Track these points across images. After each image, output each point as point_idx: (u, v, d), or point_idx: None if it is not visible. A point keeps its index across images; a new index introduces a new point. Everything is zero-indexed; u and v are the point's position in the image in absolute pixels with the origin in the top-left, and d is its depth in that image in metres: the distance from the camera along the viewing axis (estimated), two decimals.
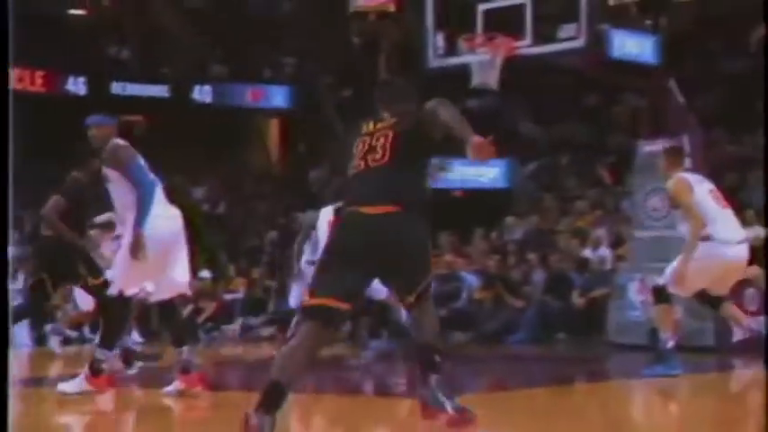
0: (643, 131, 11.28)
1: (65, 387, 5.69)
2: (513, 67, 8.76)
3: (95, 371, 5.63)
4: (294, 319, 8.07)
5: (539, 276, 11.08)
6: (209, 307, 13.00)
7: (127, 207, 5.54)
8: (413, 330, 4.30)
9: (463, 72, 8.68)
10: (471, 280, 11.43)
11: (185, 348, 5.80)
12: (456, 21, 9.10)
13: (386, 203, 3.97)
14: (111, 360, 5.90)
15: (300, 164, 19.31)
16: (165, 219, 5.57)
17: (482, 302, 11.27)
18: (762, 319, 8.63)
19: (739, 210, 9.89)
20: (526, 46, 8.37)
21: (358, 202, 4.02)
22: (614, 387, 7.10)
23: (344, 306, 3.87)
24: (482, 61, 8.39)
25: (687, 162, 8.88)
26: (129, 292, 5.59)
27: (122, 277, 5.54)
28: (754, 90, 15.22)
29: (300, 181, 18.67)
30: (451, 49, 8.74)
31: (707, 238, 6.30)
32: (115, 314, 5.65)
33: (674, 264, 6.57)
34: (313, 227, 8.29)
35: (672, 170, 6.61)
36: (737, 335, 8.70)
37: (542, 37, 8.44)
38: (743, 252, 6.46)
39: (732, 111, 14.75)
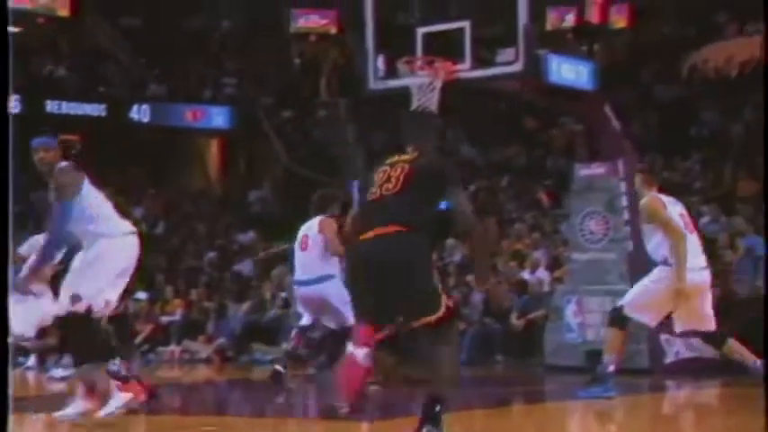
0: (580, 155, 11.46)
1: (101, 413, 5.36)
2: (453, 91, 8.82)
3: (120, 379, 5.36)
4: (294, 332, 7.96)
5: (477, 298, 11.13)
6: (146, 329, 12.79)
7: (86, 221, 5.36)
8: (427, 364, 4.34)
9: (403, 94, 8.71)
10: None
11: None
12: (396, 44, 9.15)
13: (388, 226, 4.26)
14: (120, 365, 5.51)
15: (240, 184, 19.18)
16: (123, 236, 5.45)
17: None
18: (695, 341, 8.78)
19: None
20: (465, 69, 8.43)
21: (370, 229, 4.32)
22: (551, 409, 7.14)
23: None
24: (422, 84, 8.42)
25: (622, 186, 9.06)
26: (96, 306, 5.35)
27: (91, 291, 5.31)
28: (685, 116, 15.65)
29: (240, 201, 18.55)
30: (391, 72, 8.77)
31: (666, 263, 6.30)
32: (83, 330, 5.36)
33: (636, 288, 6.56)
34: None
35: (645, 189, 6.63)
36: (671, 357, 8.86)
37: (481, 61, 8.52)
38: (706, 277, 6.46)
39: (665, 137, 15.08)
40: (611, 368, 6.44)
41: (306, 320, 8.12)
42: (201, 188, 19.85)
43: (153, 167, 18.70)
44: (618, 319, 6.47)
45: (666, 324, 6.68)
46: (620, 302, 6.55)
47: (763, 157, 7.27)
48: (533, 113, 16.63)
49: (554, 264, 11.31)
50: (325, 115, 18.77)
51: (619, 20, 18.14)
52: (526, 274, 11.22)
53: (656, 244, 6.48)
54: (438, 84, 8.36)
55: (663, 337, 8.84)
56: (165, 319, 13.17)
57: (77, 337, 5.41)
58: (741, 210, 11.23)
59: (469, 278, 11.45)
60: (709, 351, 8.76)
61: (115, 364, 5.39)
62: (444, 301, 4.28)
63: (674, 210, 6.50)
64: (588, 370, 8.67)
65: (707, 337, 6.57)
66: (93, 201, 5.44)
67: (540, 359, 9.52)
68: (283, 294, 12.10)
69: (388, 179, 4.39)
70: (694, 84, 16.81)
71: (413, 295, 4.22)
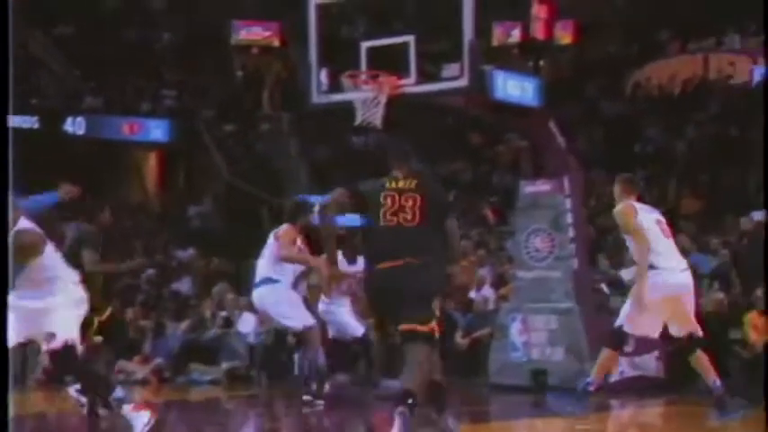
0: (525, 172, 11.54)
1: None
2: (398, 106, 8.82)
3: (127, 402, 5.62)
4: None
5: None
6: (80, 348, 12.48)
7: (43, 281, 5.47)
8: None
9: (347, 109, 8.67)
10: None
11: None
12: (340, 57, 9.11)
13: (412, 256, 4.97)
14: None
15: (179, 200, 18.93)
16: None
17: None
18: (638, 360, 8.85)
19: (620, 251, 10.20)
20: (410, 84, 8.43)
21: (393, 257, 5.00)
22: (496, 429, 7.12)
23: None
24: (366, 99, 8.39)
25: (567, 203, 9.13)
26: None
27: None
28: (629, 133, 15.89)
29: (179, 217, 18.30)
30: (335, 86, 8.73)
31: (651, 267, 6.34)
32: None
33: (627, 304, 6.56)
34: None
35: (623, 197, 6.67)
36: (615, 375, 8.90)
37: (426, 76, 8.52)
38: (688, 279, 6.49)
39: (610, 153, 15.28)
40: (593, 388, 6.39)
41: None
42: (139, 203, 19.56)
43: (88, 182, 18.36)
44: (617, 338, 6.43)
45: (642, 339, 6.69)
46: (617, 322, 6.52)
47: (762, 160, 7.33)
48: (479, 129, 16.74)
49: (499, 281, 11.34)
50: (268, 129, 18.66)
51: (564, 36, 18.39)
52: (471, 293, 11.22)
53: (633, 251, 6.56)
54: (382, 98, 8.34)
55: None
56: (98, 339, 12.86)
57: (67, 370, 5.87)
58: (685, 227, 11.39)
59: None
60: (652, 369, 8.87)
61: (119, 391, 5.69)
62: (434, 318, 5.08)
63: (649, 217, 6.54)
64: (533, 389, 8.70)
65: (677, 343, 6.56)
66: (50, 263, 5.51)
67: (485, 378, 9.51)
68: (224, 313, 11.94)
69: (402, 209, 5.03)
70: (638, 101, 17.12)
71: (420, 309, 5.00)
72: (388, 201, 5.08)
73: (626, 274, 10.76)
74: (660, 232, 6.49)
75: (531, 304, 9.10)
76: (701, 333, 6.49)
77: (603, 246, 11.49)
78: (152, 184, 20.08)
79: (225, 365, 11.17)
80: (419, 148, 19.09)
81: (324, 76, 8.81)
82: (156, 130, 18.61)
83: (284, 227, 7.99)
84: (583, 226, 9.64)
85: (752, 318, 8.97)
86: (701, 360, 6.47)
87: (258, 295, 7.98)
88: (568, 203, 9.12)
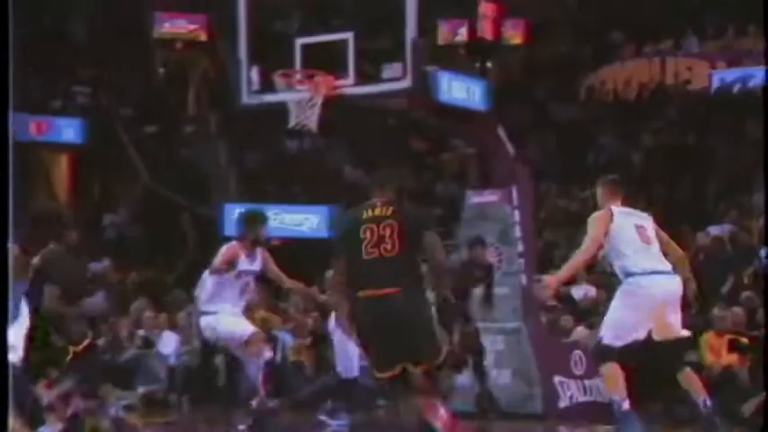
0: (472, 181, 11.67)
1: None
2: (335, 108, 8.87)
3: None
4: None
5: None
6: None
7: None
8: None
9: (280, 111, 8.71)
10: (286, 339, 11.37)
11: None
12: (273, 55, 9.15)
13: (395, 286, 5.41)
14: None
15: (94, 207, 18.70)
16: None
17: (300, 365, 11.22)
18: (589, 383, 9.02)
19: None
20: (348, 85, 8.50)
21: (372, 287, 5.44)
22: None
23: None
24: (301, 100, 8.45)
25: (516, 215, 9.27)
26: None
27: None
28: (583, 141, 16.18)
29: (93, 226, 18.07)
30: (267, 86, 8.76)
31: (627, 273, 6.39)
32: None
33: (608, 313, 6.58)
34: None
35: (607, 202, 6.68)
36: (565, 401, 9.06)
37: (366, 76, 8.61)
38: (672, 284, 6.48)
39: (562, 162, 15.53)
40: (626, 405, 6.29)
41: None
42: (48, 210, 19.25)
43: None
44: (604, 352, 6.43)
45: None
46: (598, 335, 6.55)
47: (762, 167, 7.39)
48: (422, 134, 16.87)
49: None
50: (193, 131, 18.55)
51: (514, 36, 18.63)
52: None
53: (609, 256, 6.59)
54: (318, 100, 8.40)
55: (557, 379, 9.04)
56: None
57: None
58: None
59: None
60: (605, 394, 9.03)
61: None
62: (445, 347, 5.52)
63: (627, 221, 6.55)
64: (477, 415, 8.81)
65: (663, 358, 6.61)
66: None
67: None
68: (141, 332, 11.84)
69: (381, 239, 5.45)
70: (592, 106, 17.44)
71: (419, 344, 5.41)
72: (368, 233, 5.51)
73: (576, 291, 10.98)
74: (638, 237, 6.52)
75: (477, 323, 9.21)
76: (685, 334, 6.55)
77: (553, 261, 11.69)
78: (62, 190, 19.80)
79: (141, 389, 11.09)
80: (357, 154, 19.21)
81: (255, 74, 8.84)
82: (68, 130, 18.34)
83: (229, 243, 7.90)
84: (532, 240, 9.79)
85: (708, 339, 9.17)
86: (689, 377, 6.52)
87: (205, 324, 7.95)
88: (517, 215, 9.27)
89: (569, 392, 9.04)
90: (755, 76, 15.48)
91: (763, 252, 10.51)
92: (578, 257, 6.50)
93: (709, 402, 6.37)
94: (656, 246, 6.58)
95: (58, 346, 7.00)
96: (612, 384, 6.41)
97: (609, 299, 10.46)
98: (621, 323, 6.42)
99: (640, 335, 6.46)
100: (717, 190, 13.68)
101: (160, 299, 13.22)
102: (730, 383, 8.71)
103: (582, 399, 9.00)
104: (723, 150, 14.18)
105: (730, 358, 9.09)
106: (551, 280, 6.54)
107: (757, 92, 14.71)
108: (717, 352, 9.11)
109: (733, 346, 9.14)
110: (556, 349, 9.34)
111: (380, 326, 5.45)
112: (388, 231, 5.51)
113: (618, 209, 6.63)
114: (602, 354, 6.42)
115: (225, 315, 7.80)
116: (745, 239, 11.53)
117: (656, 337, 6.50)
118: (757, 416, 8.05)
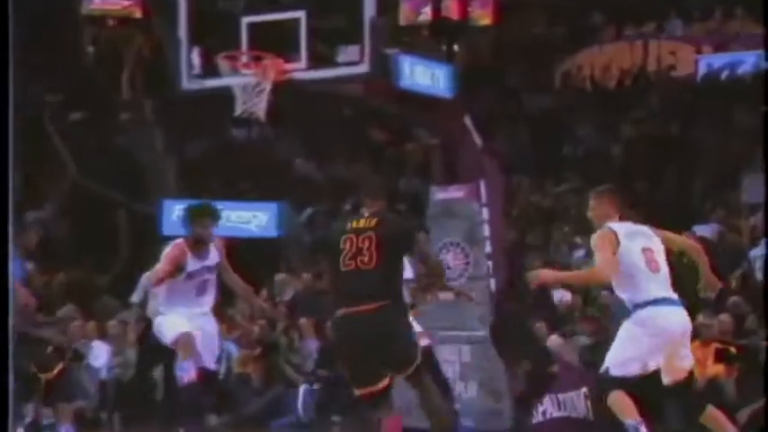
0: (436, 175, 11.67)
1: None
2: (285, 94, 8.83)
3: None
4: None
5: (312, 346, 11.10)
6: None
7: None
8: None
9: (225, 96, 8.64)
10: (231, 349, 11.31)
11: None
12: (216, 34, 9.08)
13: (373, 302, 5.80)
14: None
15: (17, 205, 18.45)
16: None
17: (246, 377, 11.18)
18: (563, 398, 9.04)
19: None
20: (300, 69, 8.46)
21: (350, 303, 5.87)
22: None
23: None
24: (247, 85, 8.39)
25: (484, 212, 9.26)
26: None
27: None
28: (557, 132, 16.25)
29: (15, 224, 17.85)
30: (210, 69, 8.70)
31: (636, 306, 6.33)
32: None
33: (615, 342, 6.54)
34: None
35: (603, 220, 6.46)
36: (537, 416, 9.06)
37: (320, 59, 8.58)
38: (682, 318, 6.45)
39: (535, 155, 15.58)
40: (644, 429, 6.27)
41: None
42: None
43: None
44: (609, 384, 6.38)
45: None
46: (604, 366, 6.52)
47: (763, 165, 7.38)
48: (382, 124, 16.84)
49: None
50: (128, 118, 18.39)
51: (482, 16, 18.64)
52: None
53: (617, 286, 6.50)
54: (267, 85, 8.36)
55: None
56: None
57: None
58: None
59: (302, 321, 11.44)
60: (581, 409, 9.05)
61: None
62: (419, 348, 6.01)
63: (634, 244, 6.40)
64: None
65: (682, 400, 6.61)
66: None
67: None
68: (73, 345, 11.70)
69: (360, 251, 5.81)
70: (568, 94, 17.50)
71: (397, 356, 5.89)
72: (347, 244, 5.88)
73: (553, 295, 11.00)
74: (645, 265, 6.42)
75: (441, 332, 9.19)
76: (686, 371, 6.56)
77: (524, 263, 11.70)
78: None
79: (68, 406, 10.97)
80: (310, 146, 19.13)
81: (196, 56, 8.78)
82: None
83: (172, 243, 7.81)
84: (502, 240, 9.80)
85: (693, 349, 9.21)
86: (713, 417, 6.45)
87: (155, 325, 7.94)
88: (485, 213, 9.27)
89: (542, 407, 9.05)
90: (745, 61, 15.62)
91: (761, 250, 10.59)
92: (586, 275, 6.49)
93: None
94: (664, 270, 6.51)
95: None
96: (623, 410, 6.36)
97: (584, 304, 10.61)
98: (629, 355, 6.38)
99: (649, 367, 6.46)
100: (703, 186, 13.78)
101: (89, 305, 13.08)
102: (716, 396, 8.76)
103: (557, 414, 9.01)
104: (710, 142, 14.28)
105: (716, 369, 9.15)
106: (546, 274, 6.60)
107: (747, 79, 14.85)
108: (702, 363, 9.15)
109: (720, 356, 9.20)
110: (530, 360, 9.35)
111: (356, 344, 5.86)
112: (366, 243, 5.86)
113: (621, 229, 6.40)
114: (609, 384, 6.38)
115: (171, 315, 7.72)
116: (733, 240, 11.62)
117: (665, 379, 6.48)
118: (752, 425, 8.12)
